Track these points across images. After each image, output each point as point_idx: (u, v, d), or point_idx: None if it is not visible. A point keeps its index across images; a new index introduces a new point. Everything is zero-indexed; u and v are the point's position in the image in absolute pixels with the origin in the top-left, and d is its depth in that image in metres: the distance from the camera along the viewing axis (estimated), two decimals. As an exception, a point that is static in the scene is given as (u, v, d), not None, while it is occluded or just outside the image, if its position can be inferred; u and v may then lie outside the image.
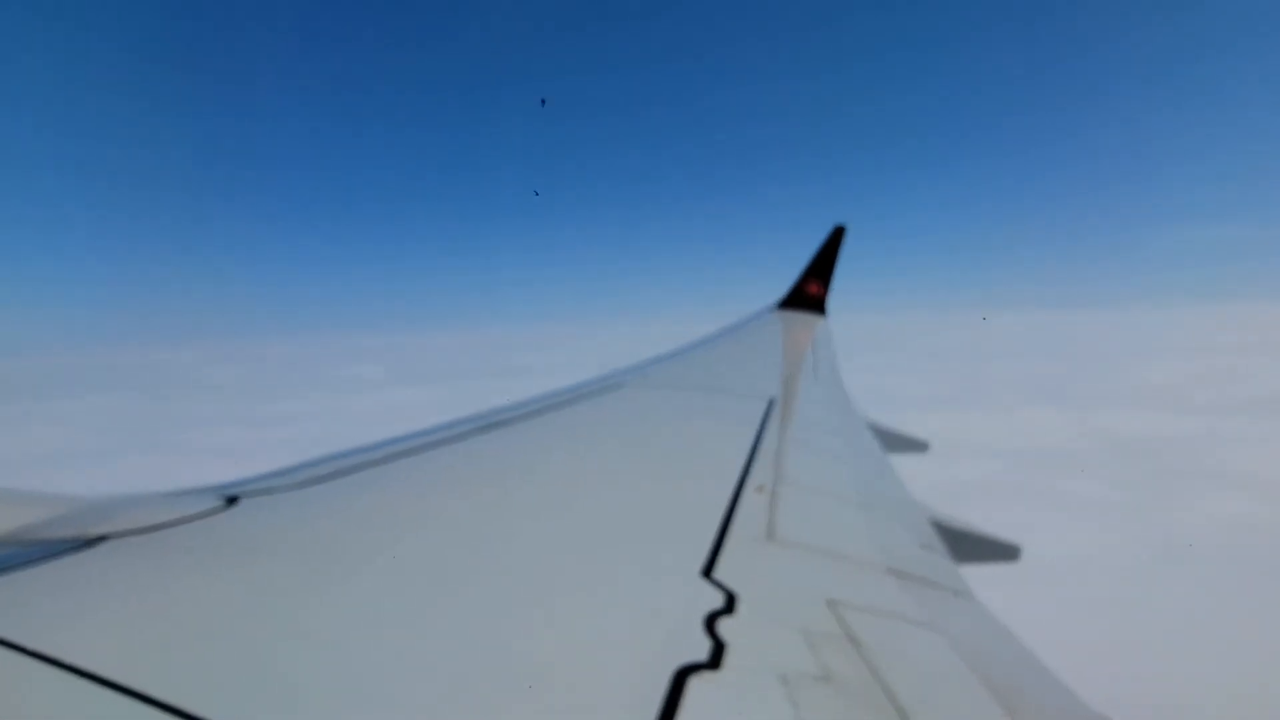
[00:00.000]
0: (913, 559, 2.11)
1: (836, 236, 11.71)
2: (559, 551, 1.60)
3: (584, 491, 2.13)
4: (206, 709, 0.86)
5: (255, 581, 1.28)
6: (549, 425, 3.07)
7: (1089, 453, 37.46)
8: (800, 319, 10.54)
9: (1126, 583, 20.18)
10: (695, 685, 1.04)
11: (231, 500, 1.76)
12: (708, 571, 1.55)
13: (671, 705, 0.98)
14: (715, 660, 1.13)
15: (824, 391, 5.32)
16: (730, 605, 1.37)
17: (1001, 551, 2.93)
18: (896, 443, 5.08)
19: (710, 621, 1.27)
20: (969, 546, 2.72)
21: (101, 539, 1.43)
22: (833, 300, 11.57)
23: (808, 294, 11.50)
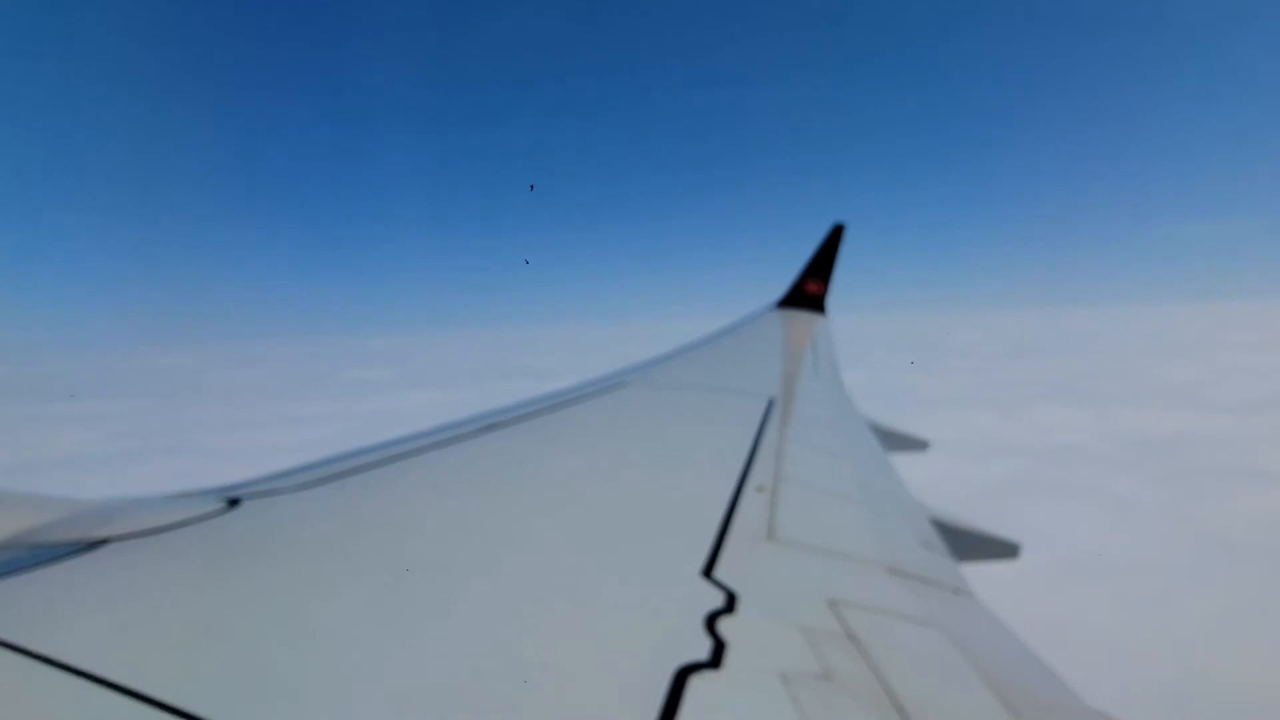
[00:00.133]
0: (913, 558, 2.11)
1: (836, 235, 11.72)
2: (560, 551, 1.60)
3: (585, 491, 2.13)
4: (209, 710, 0.87)
5: (257, 583, 1.28)
6: (550, 425, 3.08)
7: (1115, 451, 36.99)
8: (800, 318, 10.55)
9: (1176, 579, 19.94)
10: (696, 684, 1.04)
11: (233, 502, 1.77)
12: (708, 571, 1.55)
13: (672, 704, 0.98)
14: (716, 659, 1.13)
15: (824, 390, 5.32)
16: (731, 604, 1.37)
17: (1002, 549, 2.93)
18: (896, 441, 5.09)
19: (711, 621, 1.28)
20: (969, 545, 2.72)
21: (104, 542, 1.43)
22: (837, 301, 11.58)
23: (807, 293, 11.50)
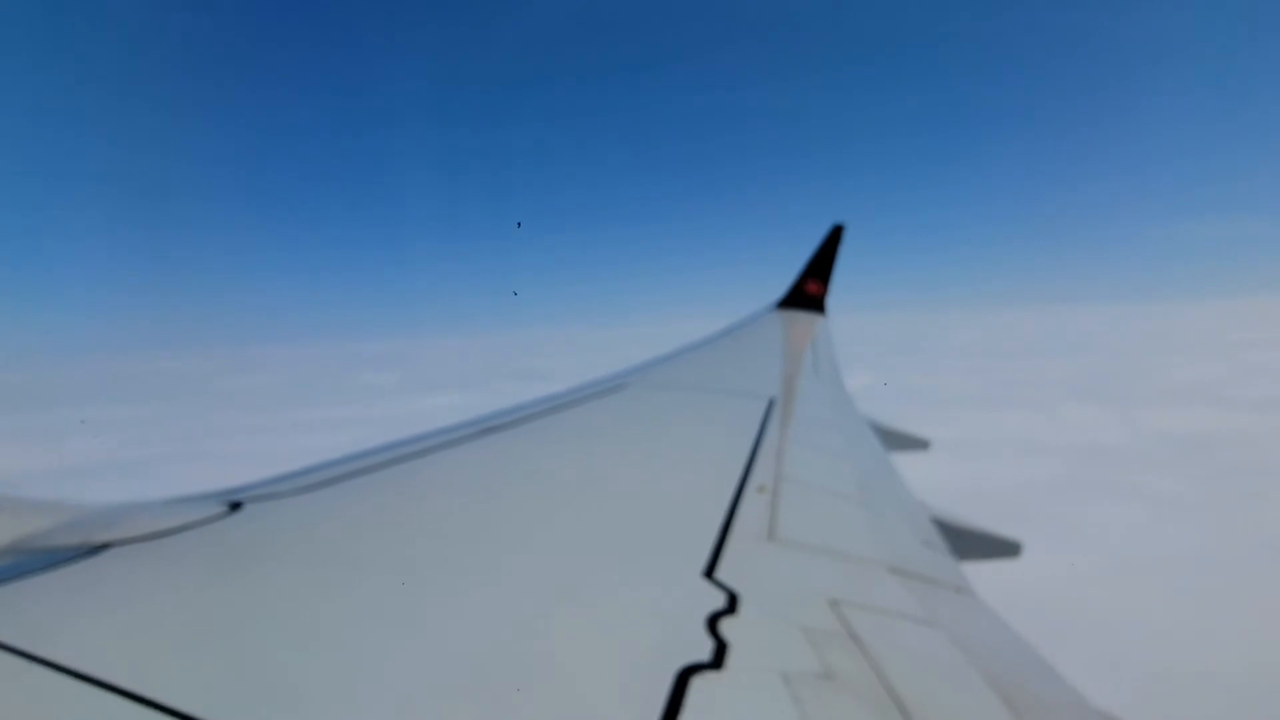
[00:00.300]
0: (914, 557, 2.11)
1: (835, 235, 11.71)
2: (562, 552, 1.60)
3: (586, 492, 2.13)
4: (213, 714, 0.87)
5: (260, 587, 1.28)
6: (552, 427, 3.08)
7: (1150, 450, 36.52)
8: (800, 318, 10.54)
9: (1234, 576, 19.68)
10: (698, 685, 1.04)
11: (235, 506, 1.77)
12: (709, 571, 1.55)
13: (674, 705, 0.98)
14: (718, 660, 1.13)
15: (824, 390, 5.32)
16: (732, 605, 1.37)
17: (1003, 548, 2.93)
18: (897, 441, 5.08)
19: (712, 621, 1.28)
20: (970, 544, 2.72)
21: (106, 546, 1.44)
22: (837, 301, 11.57)
23: (807, 293, 11.49)
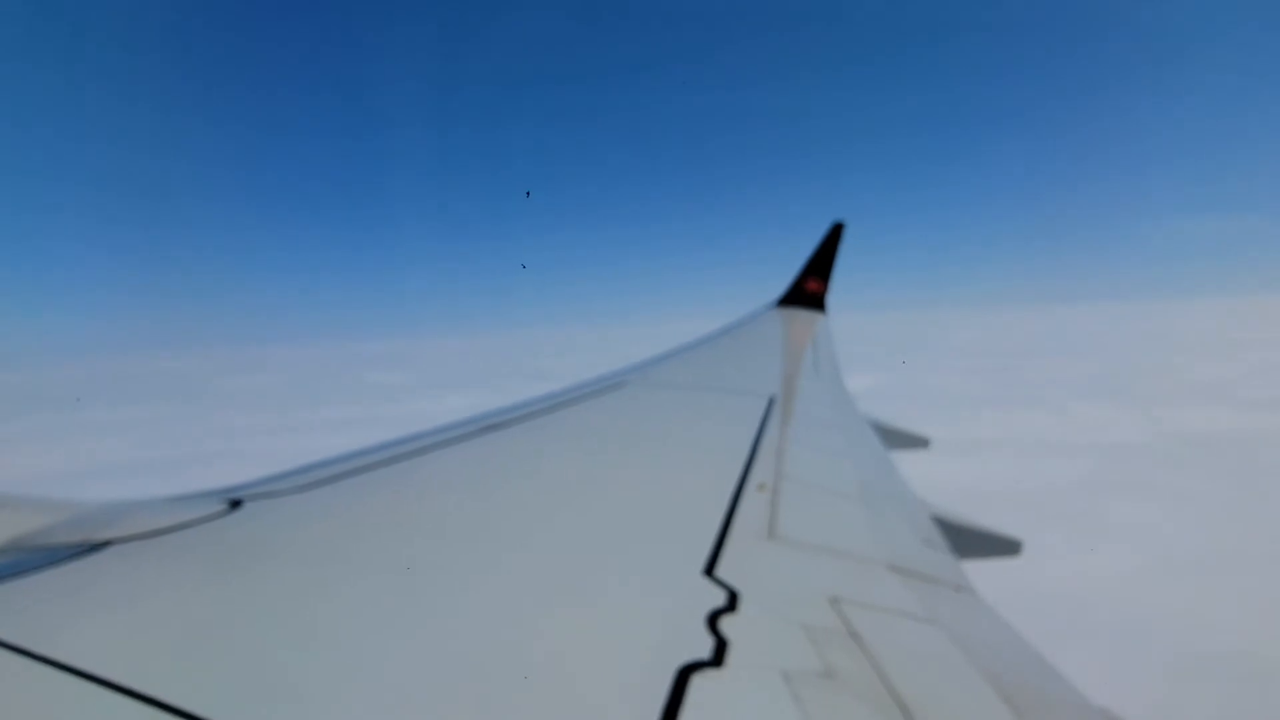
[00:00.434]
0: (914, 555, 2.12)
1: (835, 233, 11.71)
2: (562, 551, 1.60)
3: (586, 490, 2.14)
4: (213, 712, 0.87)
5: (260, 585, 1.29)
6: (552, 425, 3.08)
7: (1172, 450, 35.85)
8: (800, 316, 10.54)
9: (1267, 577, 19.65)
10: (698, 683, 1.04)
11: (235, 504, 1.77)
12: (710, 569, 1.55)
13: (674, 703, 0.98)
14: (718, 658, 1.13)
15: (824, 389, 5.32)
16: (732, 603, 1.37)
17: (1003, 546, 2.93)
18: (897, 440, 5.08)
19: (713, 619, 1.28)
20: (970, 542, 2.72)
21: (107, 544, 1.44)
22: (837, 300, 11.57)
23: (807, 291, 11.49)
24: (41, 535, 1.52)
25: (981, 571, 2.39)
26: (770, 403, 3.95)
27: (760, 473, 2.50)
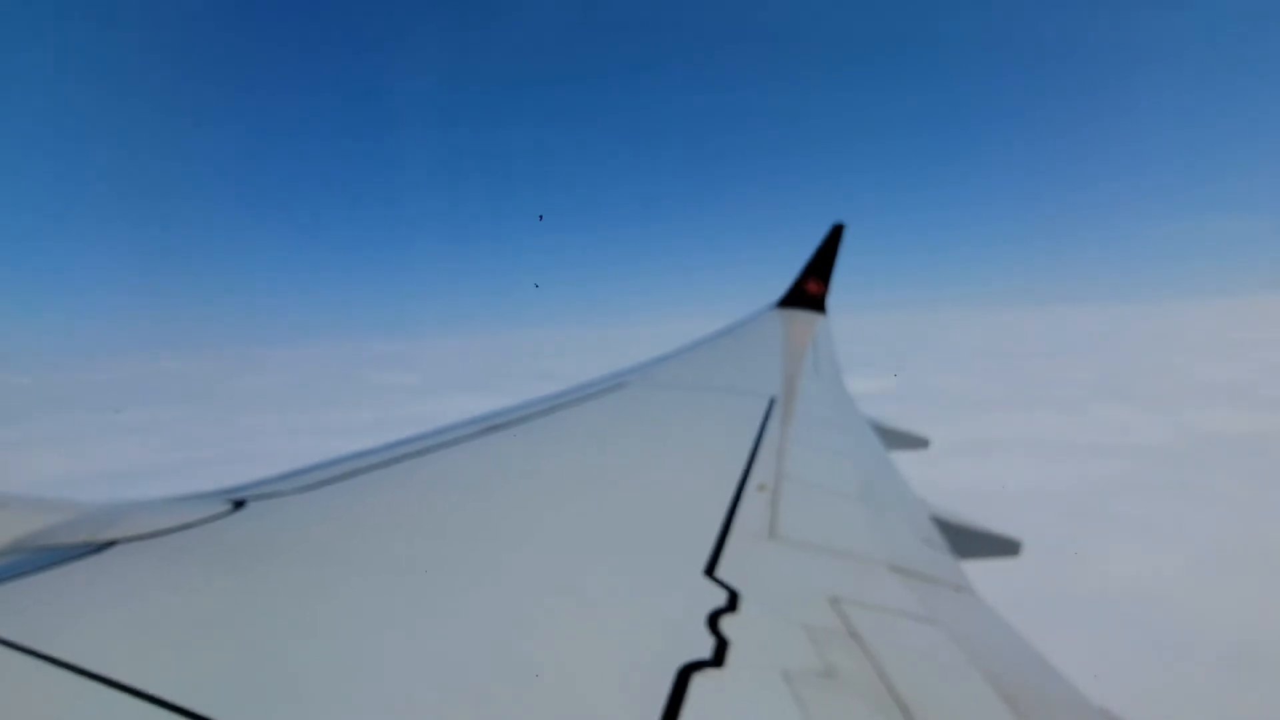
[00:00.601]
0: (914, 555, 2.12)
1: (836, 234, 11.71)
2: (563, 551, 1.61)
3: (587, 491, 2.14)
4: (217, 711, 0.88)
5: (264, 584, 1.29)
6: (553, 426, 3.09)
7: (1199, 451, 35.36)
8: (800, 317, 10.54)
9: None
10: (698, 682, 1.05)
11: (239, 504, 1.78)
12: (710, 570, 1.56)
13: (675, 703, 0.99)
14: (718, 658, 1.14)
15: (825, 389, 5.32)
16: (733, 603, 1.38)
17: (1003, 546, 2.93)
18: (897, 440, 5.08)
19: (713, 619, 1.28)
20: (970, 542, 2.72)
21: (111, 544, 1.45)
22: (837, 301, 11.57)
23: (807, 292, 11.49)
24: (45, 535, 1.53)
25: (981, 571, 2.39)
26: (771, 403, 3.95)
27: (761, 473, 2.50)
